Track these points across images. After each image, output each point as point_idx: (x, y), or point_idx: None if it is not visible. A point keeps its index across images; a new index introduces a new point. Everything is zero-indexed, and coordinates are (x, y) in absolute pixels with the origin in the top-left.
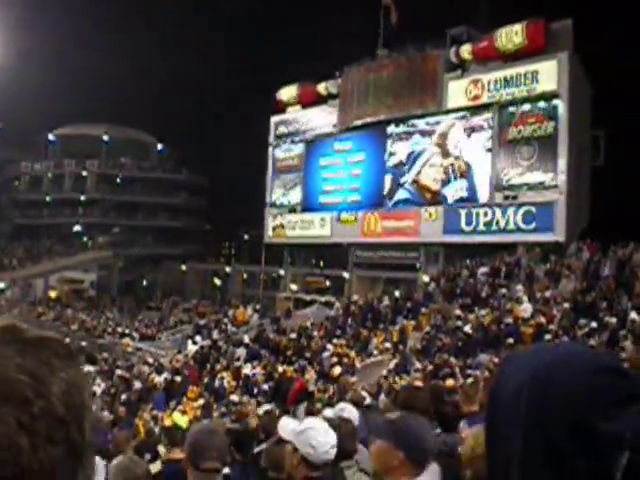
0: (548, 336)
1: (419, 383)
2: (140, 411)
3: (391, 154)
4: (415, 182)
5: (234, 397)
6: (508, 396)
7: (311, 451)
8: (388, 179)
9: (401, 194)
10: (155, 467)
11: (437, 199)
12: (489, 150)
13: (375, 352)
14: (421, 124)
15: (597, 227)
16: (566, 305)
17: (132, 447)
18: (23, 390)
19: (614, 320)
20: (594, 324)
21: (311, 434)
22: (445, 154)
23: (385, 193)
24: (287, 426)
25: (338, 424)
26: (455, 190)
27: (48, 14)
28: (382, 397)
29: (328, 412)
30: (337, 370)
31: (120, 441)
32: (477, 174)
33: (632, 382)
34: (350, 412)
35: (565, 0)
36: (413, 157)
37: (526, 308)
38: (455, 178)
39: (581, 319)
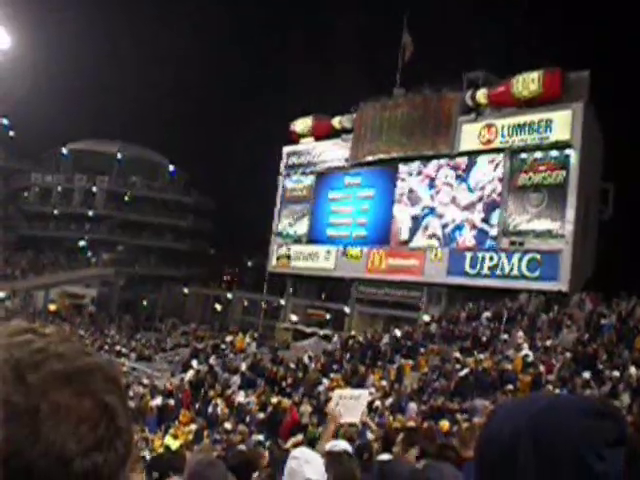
0: (547, 386)
1: (412, 424)
2: None
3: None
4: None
5: (227, 425)
6: (504, 439)
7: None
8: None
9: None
10: None
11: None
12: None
13: (372, 389)
14: (432, 165)
15: (601, 279)
16: (567, 355)
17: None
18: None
19: (616, 374)
20: (586, 375)
21: (289, 464)
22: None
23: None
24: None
25: (340, 459)
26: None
27: (68, 28)
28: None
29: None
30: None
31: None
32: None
33: (619, 425)
34: (341, 447)
35: (583, 51)
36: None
37: (526, 355)
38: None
39: (581, 370)
